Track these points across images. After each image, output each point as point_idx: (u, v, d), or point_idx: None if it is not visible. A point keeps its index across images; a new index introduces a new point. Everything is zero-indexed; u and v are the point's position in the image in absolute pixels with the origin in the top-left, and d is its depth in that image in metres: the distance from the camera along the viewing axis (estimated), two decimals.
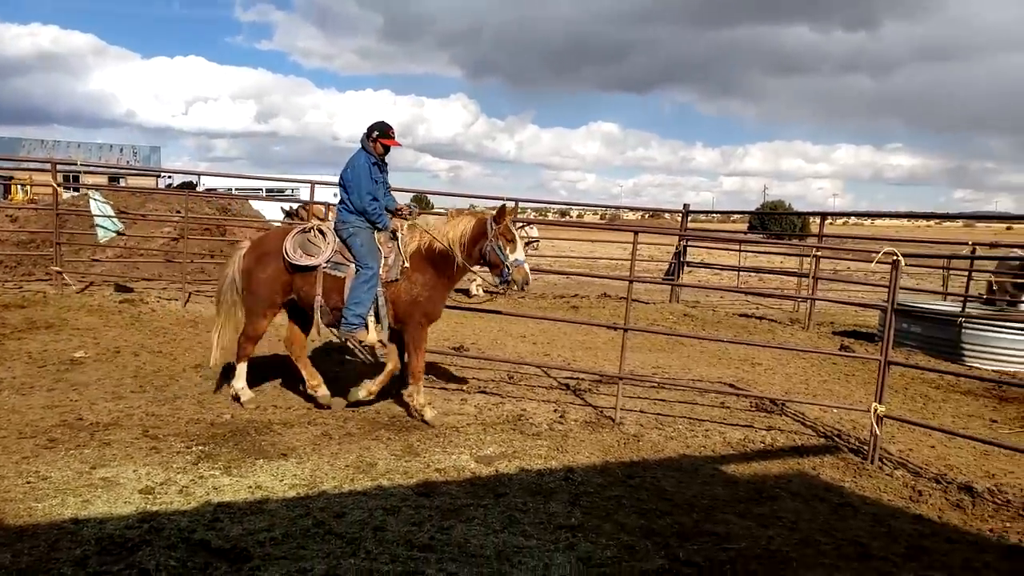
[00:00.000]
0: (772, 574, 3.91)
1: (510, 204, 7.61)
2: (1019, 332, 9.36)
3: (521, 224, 9.24)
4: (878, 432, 5.97)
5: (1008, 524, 4.87)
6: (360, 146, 6.43)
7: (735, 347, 9.82)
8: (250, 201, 17.24)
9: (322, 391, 6.51)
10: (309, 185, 12.16)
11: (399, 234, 6.35)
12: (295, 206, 14.87)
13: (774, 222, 36.25)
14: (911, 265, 18.13)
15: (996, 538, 4.63)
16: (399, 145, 6.44)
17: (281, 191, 26.15)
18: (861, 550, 4.27)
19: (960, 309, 10.47)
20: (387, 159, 6.54)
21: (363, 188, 6.24)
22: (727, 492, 5.15)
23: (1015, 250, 12.71)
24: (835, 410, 7.33)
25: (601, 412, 6.87)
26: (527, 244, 15.77)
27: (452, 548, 3.99)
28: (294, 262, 6.26)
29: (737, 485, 5.31)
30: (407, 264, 6.24)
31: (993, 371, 9.57)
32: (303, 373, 6.61)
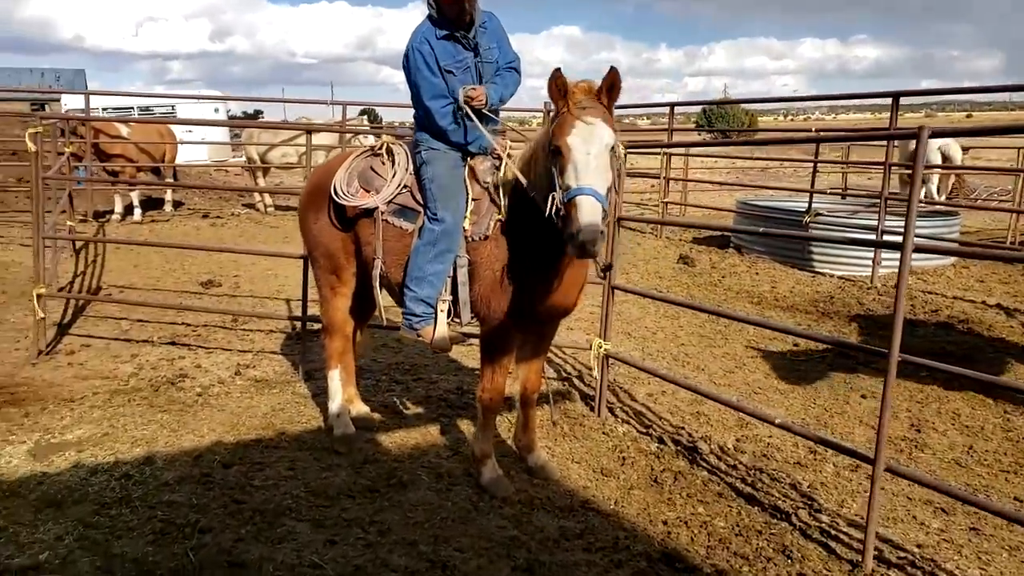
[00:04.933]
0: None
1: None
2: (865, 234, 7.95)
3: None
4: (598, 374, 4.62)
5: (696, 510, 3.55)
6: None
7: None
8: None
9: (357, 407, 4.51)
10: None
11: (504, 165, 3.61)
12: None
13: (719, 119, 34.68)
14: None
15: (661, 539, 3.31)
16: None
17: (148, 110, 23.60)
18: None
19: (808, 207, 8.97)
20: (482, 19, 3.66)
21: (424, 85, 3.62)
22: (348, 480, 3.77)
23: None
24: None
25: (294, 364, 5.44)
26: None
27: None
28: (343, 202, 3.91)
29: (374, 466, 3.93)
30: (502, 216, 3.58)
31: (839, 277, 8.26)
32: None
